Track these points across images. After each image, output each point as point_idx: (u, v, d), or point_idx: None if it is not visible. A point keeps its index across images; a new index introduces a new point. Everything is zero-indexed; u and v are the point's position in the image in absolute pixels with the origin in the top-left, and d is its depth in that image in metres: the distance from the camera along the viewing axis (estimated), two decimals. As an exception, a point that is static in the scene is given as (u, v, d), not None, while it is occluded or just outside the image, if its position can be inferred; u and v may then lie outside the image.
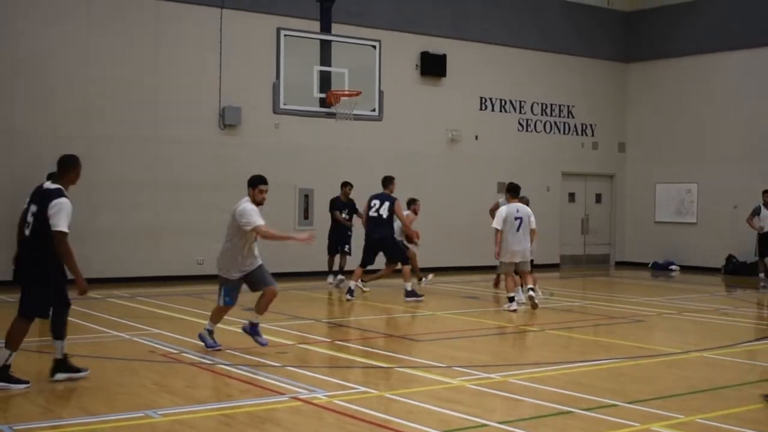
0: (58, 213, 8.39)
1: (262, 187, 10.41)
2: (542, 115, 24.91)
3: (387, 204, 16.29)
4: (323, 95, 20.36)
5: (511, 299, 15.03)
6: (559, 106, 25.22)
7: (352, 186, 19.29)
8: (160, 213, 18.95)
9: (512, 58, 24.17)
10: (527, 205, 15.88)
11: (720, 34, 24.19)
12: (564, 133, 25.33)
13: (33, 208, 8.60)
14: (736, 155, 23.69)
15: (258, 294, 10.53)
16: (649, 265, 25.19)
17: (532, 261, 16.15)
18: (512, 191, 15.51)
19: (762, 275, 20.37)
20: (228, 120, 19.74)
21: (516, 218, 15.08)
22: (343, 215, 19.03)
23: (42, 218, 8.44)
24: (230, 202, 19.18)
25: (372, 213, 16.36)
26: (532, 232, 15.29)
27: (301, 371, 9.41)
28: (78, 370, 8.79)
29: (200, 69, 19.54)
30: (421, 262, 19.35)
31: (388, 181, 16.70)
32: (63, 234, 8.37)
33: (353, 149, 21.26)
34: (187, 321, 13.23)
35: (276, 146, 20.21)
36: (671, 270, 24.42)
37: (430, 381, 9.22)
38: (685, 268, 24.33)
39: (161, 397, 8.18)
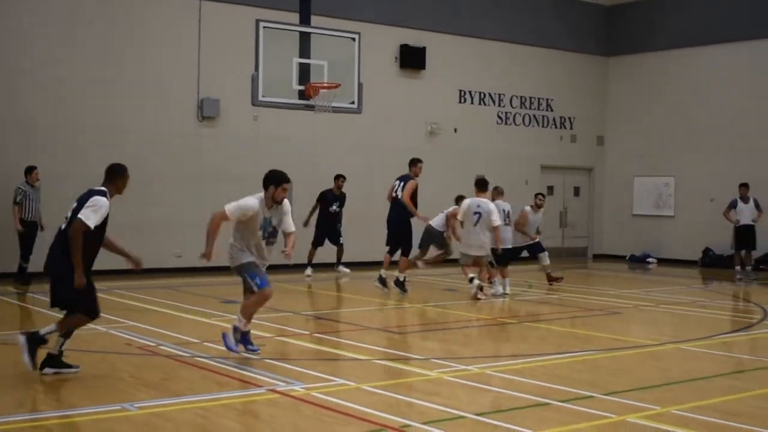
0: (91, 207, 8.47)
1: (286, 185, 9.58)
2: (521, 108, 24.96)
3: (402, 184, 16.21)
4: (302, 87, 20.32)
5: (471, 279, 15.33)
6: (538, 99, 25.28)
7: (345, 179, 19.29)
8: (138, 205, 18.79)
9: (492, 51, 24.20)
10: (501, 195, 16.30)
11: (698, 29, 24.30)
12: (543, 127, 25.40)
13: (74, 204, 8.65)
14: (714, 149, 23.83)
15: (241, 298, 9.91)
16: (627, 258, 25.32)
17: (503, 253, 16.22)
18: (477, 185, 15.70)
19: (738, 268, 20.48)
20: (206, 112, 19.67)
21: (475, 212, 15.26)
22: (333, 208, 19.07)
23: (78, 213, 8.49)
24: (208, 194, 19.31)
25: (393, 194, 16.34)
26: (495, 229, 15.34)
27: (279, 364, 9.40)
28: (69, 366, 8.74)
29: (178, 60, 19.46)
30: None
31: (411, 163, 16.47)
32: (84, 225, 8.37)
33: (332, 142, 21.23)
34: (164, 314, 13.19)
35: (254, 138, 20.17)
36: (648, 262, 24.56)
37: (408, 373, 9.25)
38: (662, 261, 24.47)
39: (138, 389, 8.16)
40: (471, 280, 15.41)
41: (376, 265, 20.27)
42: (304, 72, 20.41)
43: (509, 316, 14.01)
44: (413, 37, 22.67)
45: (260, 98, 20.11)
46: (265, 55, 19.99)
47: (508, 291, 16.19)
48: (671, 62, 24.97)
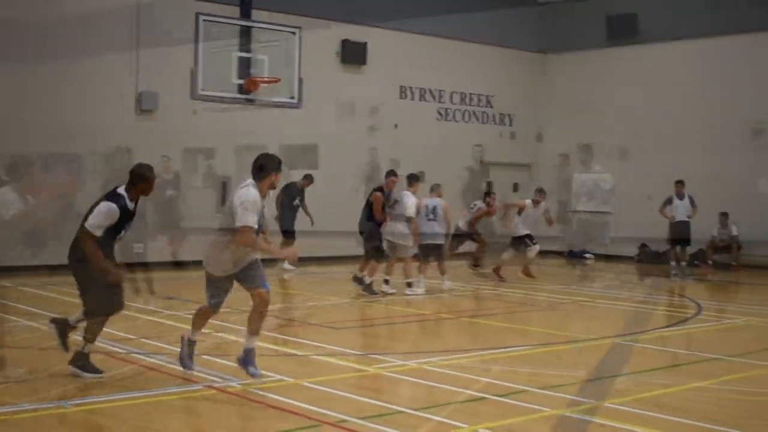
0: (94, 212, 8.37)
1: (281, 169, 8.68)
2: (461, 104, 25.08)
3: (370, 193, 16.05)
4: (242, 81, 20.25)
5: (386, 281, 15.53)
6: (478, 95, 25.42)
7: (312, 181, 19.21)
8: (79, 201, 18.52)
9: (432, 47, 24.26)
10: (433, 192, 16.56)
11: (636, 27, 24.57)
12: (482, 123, 25.54)
13: (97, 200, 8.55)
14: (650, 146, 24.14)
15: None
16: (565, 254, 25.57)
17: (440, 246, 16.27)
18: (408, 179, 15.93)
19: (673, 264, 20.78)
20: (145, 105, 19.40)
21: (395, 202, 15.54)
22: (295, 202, 19.00)
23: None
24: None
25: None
26: (409, 220, 15.44)
27: (217, 360, 9.35)
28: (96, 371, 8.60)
29: (117, 53, 19.16)
30: (344, 251, 19.39)
31: (385, 175, 16.19)
32: (90, 235, 8.28)
33: (272, 136, 21.04)
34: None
35: (194, 132, 19.94)
36: (586, 258, 24.83)
37: (347, 369, 9.26)
38: (599, 257, 24.75)
39: (74, 387, 8.05)
40: (386, 281, 15.52)
41: (310, 260, 20.28)
42: (244, 66, 20.34)
43: (447, 311, 14.08)
44: (354, 33, 22.63)
45: (200, 92, 20.00)
46: (204, 49, 19.88)
47: (446, 287, 16.23)
48: (609, 60, 25.23)
